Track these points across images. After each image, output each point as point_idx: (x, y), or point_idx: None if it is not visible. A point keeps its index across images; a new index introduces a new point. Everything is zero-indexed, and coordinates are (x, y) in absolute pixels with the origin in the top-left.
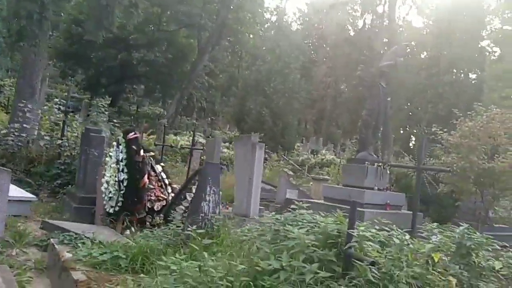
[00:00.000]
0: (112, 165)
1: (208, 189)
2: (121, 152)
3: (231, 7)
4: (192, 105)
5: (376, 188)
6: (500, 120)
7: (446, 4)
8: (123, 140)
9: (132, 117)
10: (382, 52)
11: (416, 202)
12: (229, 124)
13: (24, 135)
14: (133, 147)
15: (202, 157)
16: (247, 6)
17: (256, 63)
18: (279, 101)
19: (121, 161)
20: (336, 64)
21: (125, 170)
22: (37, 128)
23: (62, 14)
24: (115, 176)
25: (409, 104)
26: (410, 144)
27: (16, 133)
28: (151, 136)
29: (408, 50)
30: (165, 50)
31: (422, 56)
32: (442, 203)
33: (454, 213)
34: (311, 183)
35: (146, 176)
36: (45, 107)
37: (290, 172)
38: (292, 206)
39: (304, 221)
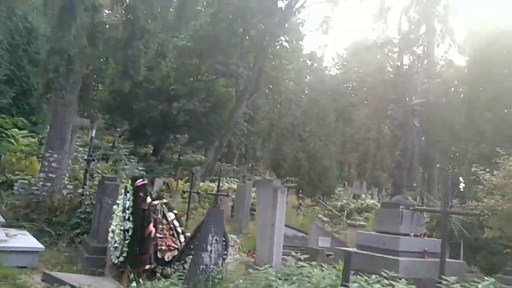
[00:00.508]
0: (119, 214)
1: (210, 238)
2: (128, 199)
3: (269, 56)
4: (232, 152)
5: (413, 234)
6: None
7: (483, 39)
8: (131, 187)
9: (172, 165)
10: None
11: (444, 249)
12: (269, 169)
13: (49, 184)
14: (141, 194)
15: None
16: (284, 53)
17: (291, 108)
18: (315, 144)
19: (128, 209)
20: (377, 106)
21: (131, 218)
22: (66, 177)
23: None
24: (121, 225)
25: (449, 145)
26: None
27: (41, 183)
28: (187, 183)
29: (443, 87)
30: (204, 99)
31: (461, 93)
32: (492, 249)
33: (506, 261)
34: (347, 229)
35: (152, 225)
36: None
37: (325, 218)
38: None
39: (300, 275)
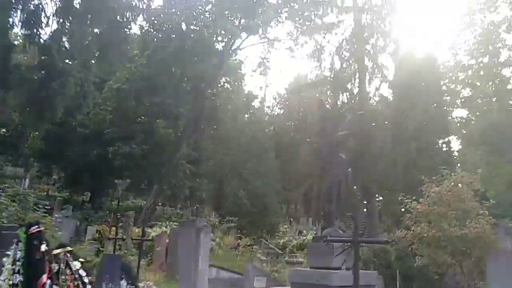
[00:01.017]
0: (7, 266)
1: (104, 286)
2: (20, 250)
3: (209, 97)
4: (176, 195)
5: (344, 267)
6: (466, 182)
7: (405, 72)
8: (24, 236)
9: (108, 212)
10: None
11: (357, 278)
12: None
13: None
14: (34, 242)
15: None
16: (224, 94)
17: (230, 147)
18: (255, 183)
19: (18, 260)
20: (318, 142)
21: (21, 271)
22: None
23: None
24: (9, 280)
25: (384, 175)
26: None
27: None
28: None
29: (372, 120)
30: (143, 141)
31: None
32: (426, 277)
33: (443, 286)
34: (286, 267)
35: (46, 276)
36: None
37: (263, 258)
38: None
39: None
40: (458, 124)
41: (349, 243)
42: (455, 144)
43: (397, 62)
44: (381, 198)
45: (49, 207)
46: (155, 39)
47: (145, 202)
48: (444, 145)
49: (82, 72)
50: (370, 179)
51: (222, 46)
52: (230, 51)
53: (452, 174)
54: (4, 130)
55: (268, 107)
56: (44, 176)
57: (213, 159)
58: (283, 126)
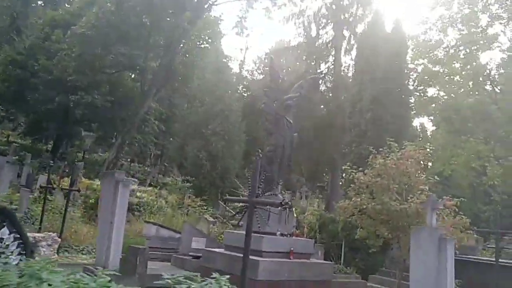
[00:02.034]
0: None
1: None
2: None
3: (180, 52)
4: (144, 152)
5: (279, 233)
6: (413, 157)
7: (368, 42)
8: None
9: (66, 163)
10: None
11: (248, 242)
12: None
13: None
14: None
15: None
16: (197, 50)
17: (194, 105)
18: (217, 144)
19: None
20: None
21: None
22: None
23: None
24: None
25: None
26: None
27: None
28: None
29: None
30: (108, 93)
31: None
32: (369, 250)
33: (383, 261)
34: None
35: None
36: None
37: (211, 219)
38: None
39: None
40: (421, 100)
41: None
42: (417, 121)
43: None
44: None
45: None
46: None
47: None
48: (401, 120)
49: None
50: (335, 149)
51: (198, 0)
52: (206, 6)
53: (402, 147)
54: None
55: (247, 70)
56: (5, 120)
57: (179, 117)
58: (260, 90)
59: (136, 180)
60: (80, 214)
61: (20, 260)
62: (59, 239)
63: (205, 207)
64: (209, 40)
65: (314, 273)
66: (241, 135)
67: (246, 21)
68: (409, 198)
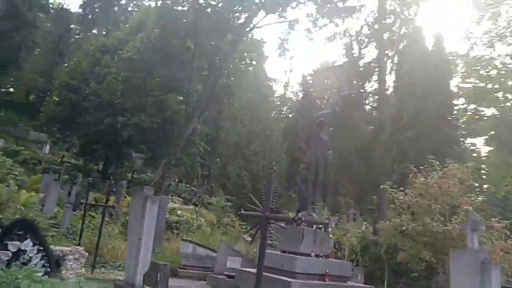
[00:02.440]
0: None
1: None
2: None
3: (223, 74)
4: (190, 172)
5: (314, 254)
6: (456, 175)
7: (408, 58)
8: None
9: (114, 181)
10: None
11: (262, 260)
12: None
13: None
14: None
15: None
16: (239, 73)
17: (235, 126)
18: (258, 164)
19: None
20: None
21: None
22: None
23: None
24: None
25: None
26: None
27: None
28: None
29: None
30: (154, 115)
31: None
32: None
33: (428, 286)
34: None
35: None
36: None
37: (249, 238)
38: None
39: None
40: (465, 118)
41: (323, 228)
42: (469, 140)
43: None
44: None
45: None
46: (171, 11)
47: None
48: (445, 138)
49: (56, 25)
50: (379, 169)
51: (239, 23)
52: (248, 29)
53: (445, 165)
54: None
55: (292, 92)
56: (60, 141)
57: (223, 138)
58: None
59: (180, 199)
60: (118, 231)
61: (45, 273)
62: (86, 254)
63: (244, 227)
64: (253, 63)
65: None
66: (282, 155)
67: (288, 43)
68: (452, 219)
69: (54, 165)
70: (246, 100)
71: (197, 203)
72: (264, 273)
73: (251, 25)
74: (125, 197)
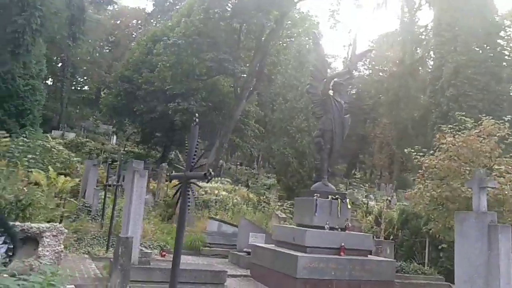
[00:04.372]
0: None
1: None
2: None
3: (270, 52)
4: (245, 154)
5: (328, 227)
6: (492, 133)
7: (447, 6)
8: None
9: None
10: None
11: (182, 228)
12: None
13: None
14: None
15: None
16: (286, 50)
17: (277, 102)
18: (302, 140)
19: None
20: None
21: None
22: None
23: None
24: None
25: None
26: None
27: None
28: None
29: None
30: (205, 98)
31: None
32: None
33: None
34: None
35: None
36: None
37: (282, 215)
38: None
39: None
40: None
41: (339, 199)
42: None
43: None
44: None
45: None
46: None
47: (221, 161)
48: (492, 95)
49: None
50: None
51: None
52: (293, 2)
53: (478, 122)
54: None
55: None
56: (120, 131)
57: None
58: (365, 85)
59: (229, 180)
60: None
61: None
62: (66, 231)
63: (279, 203)
64: (302, 37)
65: (370, 273)
66: None
67: (339, 13)
68: None
69: (115, 154)
70: (288, 76)
71: (242, 183)
72: (276, 248)
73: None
74: (167, 181)
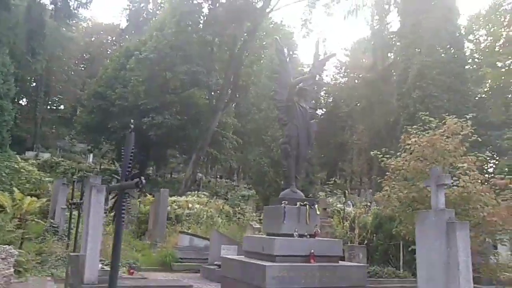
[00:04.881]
0: None
1: None
2: None
3: (244, 63)
4: (224, 167)
5: (297, 234)
6: (456, 132)
7: (412, 9)
8: None
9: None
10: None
11: (119, 239)
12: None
13: None
14: None
15: None
16: (260, 61)
17: (251, 112)
18: (278, 149)
19: None
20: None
21: None
22: None
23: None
24: None
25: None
26: None
27: None
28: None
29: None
30: (180, 112)
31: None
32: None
33: None
34: None
35: None
36: None
37: (256, 225)
38: None
39: None
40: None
41: (307, 205)
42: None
43: None
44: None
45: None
46: (185, 3)
47: (199, 175)
48: (457, 95)
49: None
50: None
51: (257, 8)
52: (267, 11)
53: (442, 122)
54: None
55: (327, 75)
56: (95, 149)
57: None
58: (342, 93)
59: (206, 193)
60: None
61: None
62: (16, 252)
63: (255, 214)
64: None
65: (340, 279)
66: None
67: (311, 22)
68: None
69: (90, 173)
70: (262, 86)
71: (227, 197)
72: (245, 259)
73: (270, 8)
74: (145, 195)
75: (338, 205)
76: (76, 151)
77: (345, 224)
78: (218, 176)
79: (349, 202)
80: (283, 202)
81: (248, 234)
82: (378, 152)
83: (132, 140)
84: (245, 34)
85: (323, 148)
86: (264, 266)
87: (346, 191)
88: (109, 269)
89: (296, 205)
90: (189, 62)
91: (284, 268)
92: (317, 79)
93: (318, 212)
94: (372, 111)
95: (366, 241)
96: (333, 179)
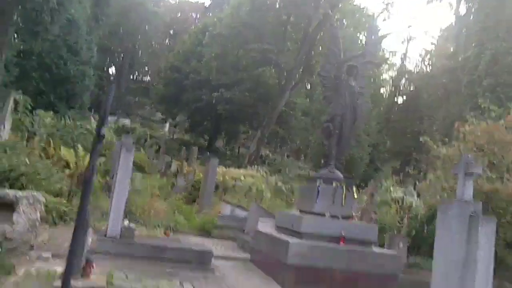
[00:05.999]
0: None
1: None
2: None
3: (316, 44)
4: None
5: (328, 214)
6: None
7: None
8: None
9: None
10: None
11: (84, 215)
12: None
13: None
14: None
15: None
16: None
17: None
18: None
19: None
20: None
21: None
22: None
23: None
24: None
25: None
26: None
27: None
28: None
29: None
30: (250, 89)
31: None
32: None
33: None
34: None
35: None
36: None
37: None
38: None
39: None
40: None
41: (344, 187)
42: None
43: None
44: None
45: None
46: None
47: (268, 152)
48: None
49: None
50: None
51: None
52: None
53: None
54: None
55: (411, 63)
56: (170, 119)
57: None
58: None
59: (266, 170)
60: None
61: None
62: (43, 199)
63: None
64: (352, 29)
65: (371, 265)
66: (370, 123)
67: (393, 6)
68: (506, 176)
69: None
70: None
71: (280, 173)
72: (273, 234)
73: None
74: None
75: (398, 194)
76: (155, 120)
77: (400, 214)
78: (286, 155)
79: (414, 192)
80: (318, 180)
81: (254, 207)
82: (429, 139)
83: (112, 92)
84: (320, 15)
85: (398, 136)
86: (288, 242)
87: (416, 182)
88: (134, 227)
89: (332, 184)
90: (261, 41)
91: (308, 246)
92: (371, 59)
93: (355, 196)
94: (448, 101)
95: (415, 232)
96: (406, 168)
